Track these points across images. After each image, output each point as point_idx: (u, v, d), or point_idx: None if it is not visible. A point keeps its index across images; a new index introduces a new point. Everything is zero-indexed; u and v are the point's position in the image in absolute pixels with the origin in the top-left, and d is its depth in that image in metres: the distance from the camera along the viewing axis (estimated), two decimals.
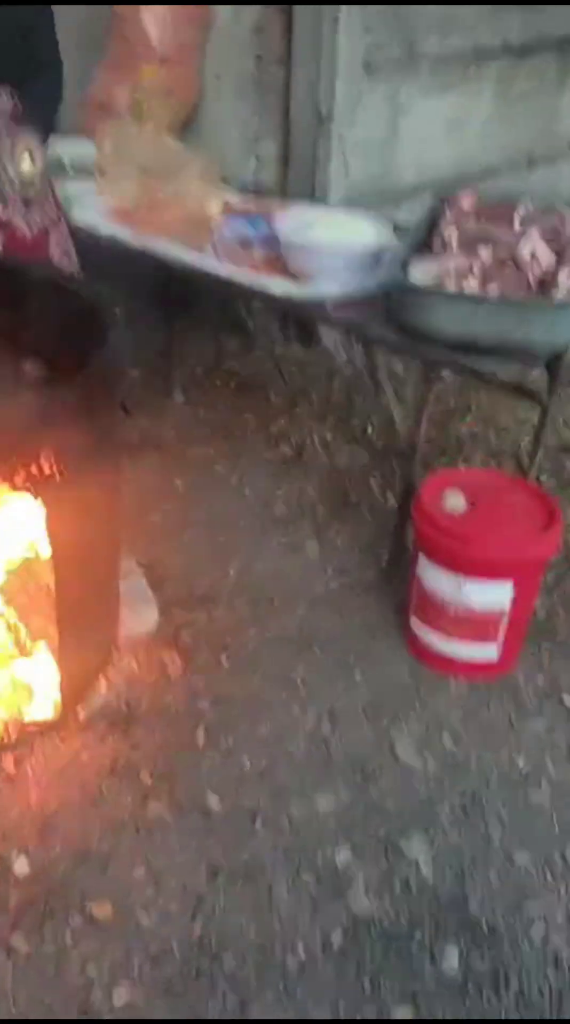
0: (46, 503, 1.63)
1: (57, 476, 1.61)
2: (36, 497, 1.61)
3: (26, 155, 2.20)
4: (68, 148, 3.16)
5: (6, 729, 1.91)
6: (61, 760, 1.90)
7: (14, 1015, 1.45)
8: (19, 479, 1.56)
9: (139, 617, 2.25)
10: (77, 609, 1.81)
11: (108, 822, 1.78)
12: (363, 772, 1.93)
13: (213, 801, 1.84)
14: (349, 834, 1.79)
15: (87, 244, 2.70)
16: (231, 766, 1.93)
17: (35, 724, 1.93)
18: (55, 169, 3.05)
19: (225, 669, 2.19)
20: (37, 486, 1.59)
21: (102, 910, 1.62)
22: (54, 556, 1.71)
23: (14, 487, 1.57)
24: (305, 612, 2.38)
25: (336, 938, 1.61)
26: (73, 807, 1.81)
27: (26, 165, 2.20)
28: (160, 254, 2.73)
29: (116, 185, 3.03)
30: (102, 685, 2.06)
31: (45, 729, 1.92)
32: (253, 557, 2.57)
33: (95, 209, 2.93)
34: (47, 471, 1.59)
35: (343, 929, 1.62)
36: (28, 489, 1.59)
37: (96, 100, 3.56)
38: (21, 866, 1.69)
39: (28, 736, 1.90)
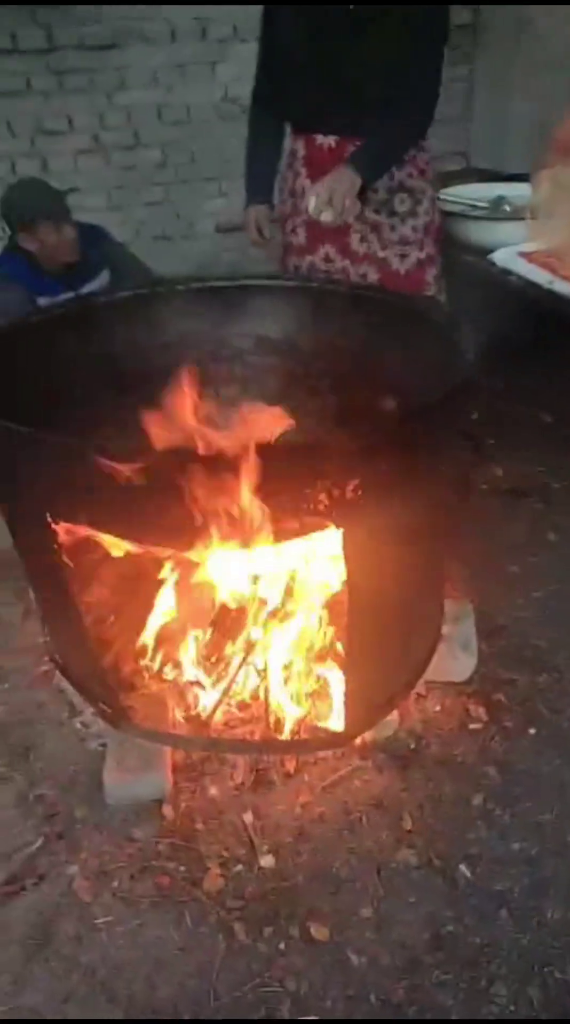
0: (344, 529, 1.68)
1: (358, 503, 1.65)
2: (335, 523, 1.66)
3: (316, 198, 2.20)
4: (512, 188, 3.18)
5: (297, 727, 2.00)
6: (335, 776, 1.94)
7: (211, 997, 1.53)
8: (320, 504, 1.63)
9: (455, 663, 2.20)
10: (371, 636, 1.83)
11: (357, 851, 1.78)
12: None
13: (464, 871, 1.73)
14: None
15: (497, 284, 2.70)
16: (497, 842, 1.79)
17: (323, 732, 1.99)
18: (493, 208, 3.10)
19: (529, 739, 2.03)
20: (337, 512, 1.64)
21: (320, 933, 1.63)
22: (348, 580, 1.75)
23: (316, 512, 1.64)
24: None
25: None
26: (331, 825, 1.84)
27: (318, 212, 2.22)
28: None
29: (548, 228, 2.96)
30: (396, 718, 2.05)
31: (330, 742, 1.97)
32: None
33: (517, 250, 2.91)
34: (348, 497, 1.63)
35: None
36: (328, 514, 1.64)
37: (561, 141, 3.52)
38: (268, 861, 1.77)
39: (315, 743, 1.97)
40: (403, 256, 2.49)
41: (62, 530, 1.72)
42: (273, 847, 1.79)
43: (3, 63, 4.15)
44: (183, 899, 1.69)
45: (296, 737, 1.99)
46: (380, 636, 1.86)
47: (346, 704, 1.91)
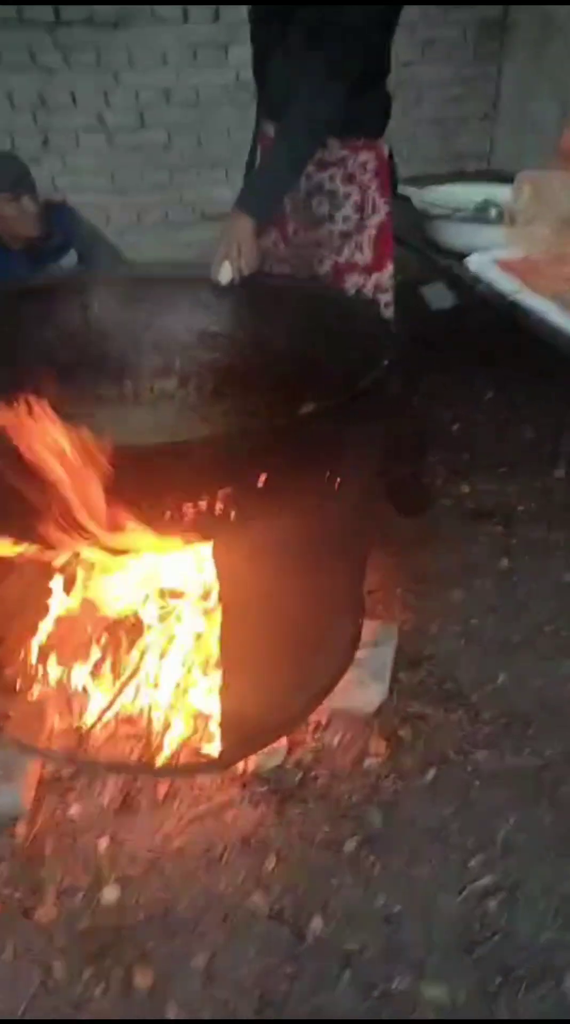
0: (215, 543, 1.54)
1: (230, 517, 1.51)
2: (204, 537, 1.53)
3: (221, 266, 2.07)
4: (500, 192, 2.99)
5: (178, 750, 1.87)
6: (206, 806, 1.81)
7: None
8: (188, 517, 1.50)
9: (363, 691, 2.05)
10: (247, 657, 1.69)
11: (208, 892, 1.65)
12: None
13: (317, 924, 1.59)
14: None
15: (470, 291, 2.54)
16: (359, 894, 1.64)
17: (201, 757, 1.86)
18: (479, 212, 2.92)
19: (425, 784, 1.87)
20: (206, 526, 1.51)
21: (144, 980, 1.51)
22: (220, 595, 1.62)
23: (185, 525, 1.51)
24: (563, 751, 1.92)
25: None
26: (189, 860, 1.71)
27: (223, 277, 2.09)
28: (536, 312, 2.43)
29: (525, 234, 2.78)
30: (284, 747, 1.91)
31: (203, 767, 1.84)
32: (538, 673, 2.16)
33: (494, 256, 2.72)
34: (219, 511, 1.50)
35: None
36: (197, 527, 1.51)
37: (564, 150, 3.33)
38: (111, 894, 1.65)
39: (187, 767, 1.84)
40: (320, 260, 2.33)
41: None
42: (121, 879, 1.67)
43: (8, 35, 4.06)
44: (9, 930, 1.57)
45: (174, 760, 1.86)
46: (259, 657, 1.72)
47: (221, 728, 1.78)
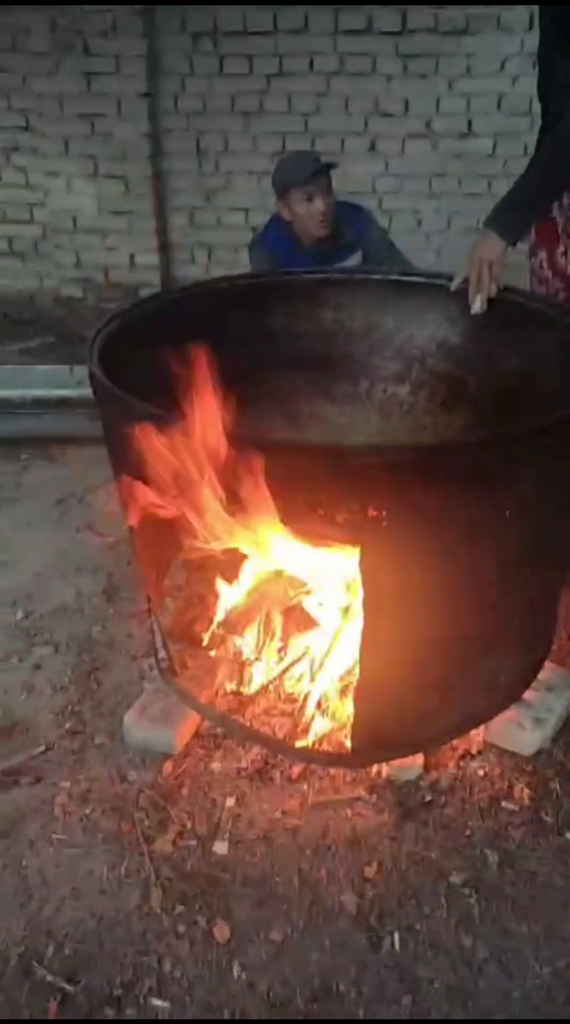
0: (363, 545, 1.59)
1: (379, 522, 1.55)
2: (354, 540, 1.59)
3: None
4: None
5: (318, 740, 1.96)
6: (332, 797, 1.88)
7: (96, 942, 1.60)
8: (340, 518, 1.56)
9: (520, 733, 1.98)
10: (386, 667, 1.72)
11: (305, 876, 1.72)
12: None
13: (395, 940, 1.60)
14: None
15: None
16: (448, 929, 1.62)
17: (338, 751, 1.92)
18: None
19: (559, 843, 1.78)
20: (357, 528, 1.57)
21: (221, 933, 1.62)
22: (364, 602, 1.66)
23: (332, 522, 1.58)
24: None
25: None
26: (299, 841, 1.79)
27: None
28: None
29: None
30: (420, 763, 1.91)
31: (333, 760, 1.91)
32: None
33: None
34: (369, 514, 1.55)
35: None
36: (346, 529, 1.57)
37: None
38: (220, 848, 1.78)
39: (318, 755, 1.91)
40: None
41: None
42: (234, 838, 1.79)
43: (355, 43, 4.29)
44: (130, 849, 1.76)
45: (313, 746, 1.94)
46: (404, 670, 1.74)
47: (352, 729, 1.83)
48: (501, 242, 2.04)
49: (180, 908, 1.65)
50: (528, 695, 2.03)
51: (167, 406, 1.55)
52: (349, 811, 1.84)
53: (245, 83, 4.45)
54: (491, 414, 2.27)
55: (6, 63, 4.63)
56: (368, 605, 1.65)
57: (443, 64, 4.28)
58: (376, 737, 1.83)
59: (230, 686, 2.13)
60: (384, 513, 1.54)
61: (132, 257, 4.82)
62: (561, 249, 2.35)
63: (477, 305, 2.09)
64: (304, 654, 2.11)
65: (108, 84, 4.44)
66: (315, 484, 1.53)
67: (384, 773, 1.91)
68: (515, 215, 2.04)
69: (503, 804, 1.86)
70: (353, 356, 2.50)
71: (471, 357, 2.32)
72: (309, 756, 1.91)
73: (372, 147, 4.52)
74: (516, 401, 2.15)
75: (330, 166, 2.96)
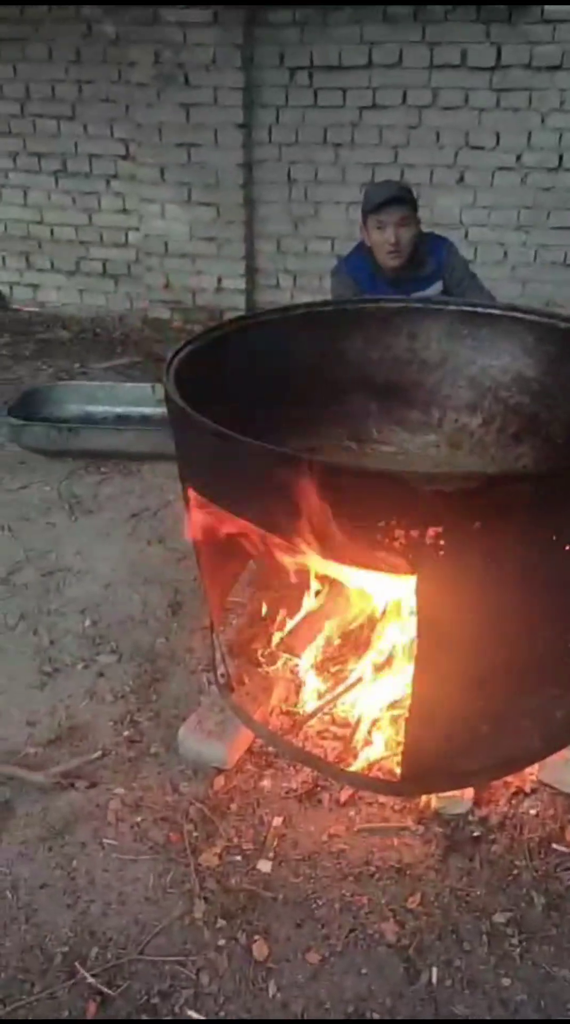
0: (420, 572, 1.60)
1: (437, 550, 1.56)
2: (411, 567, 1.59)
3: None
4: None
5: (368, 766, 1.96)
6: (379, 824, 1.88)
7: (136, 948, 1.63)
8: (398, 544, 1.57)
9: (567, 769, 1.94)
10: (438, 698, 1.72)
11: (347, 901, 1.72)
12: None
13: (433, 974, 1.58)
14: None
15: None
16: (486, 970, 1.59)
17: (387, 779, 1.92)
18: None
19: None
20: (414, 555, 1.57)
21: (260, 951, 1.63)
22: (419, 633, 1.67)
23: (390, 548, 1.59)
24: None
25: None
26: (343, 866, 1.79)
27: None
28: None
29: None
30: (470, 798, 1.89)
31: (382, 787, 1.90)
32: None
33: None
34: (426, 542, 1.56)
35: None
36: (403, 555, 1.58)
37: None
38: (265, 866, 1.79)
39: (366, 781, 1.91)
40: None
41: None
42: (279, 857, 1.80)
43: (449, 77, 4.33)
44: (177, 859, 1.80)
45: (364, 772, 1.95)
46: (452, 700, 1.73)
47: (403, 756, 1.82)
48: None
49: (221, 922, 1.67)
50: None
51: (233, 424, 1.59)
52: (396, 840, 1.84)
53: (338, 115, 4.53)
54: (562, 447, 2.25)
55: (111, 93, 4.82)
56: (422, 632, 1.65)
57: (536, 98, 4.27)
58: (426, 766, 1.82)
59: (285, 705, 2.15)
60: (441, 541, 1.54)
61: (219, 281, 4.94)
62: None
63: None
64: (360, 678, 2.12)
65: (206, 115, 4.58)
66: (374, 508, 1.54)
67: (433, 805, 1.90)
68: None
69: (554, 846, 1.82)
70: (426, 384, 2.51)
71: (545, 390, 2.31)
72: (358, 781, 1.91)
73: (461, 179, 4.53)
74: None
75: (406, 198, 2.98)
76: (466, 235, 4.51)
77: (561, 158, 4.36)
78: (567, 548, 1.61)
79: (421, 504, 1.49)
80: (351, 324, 2.47)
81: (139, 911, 1.70)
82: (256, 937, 1.64)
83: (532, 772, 1.96)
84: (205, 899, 1.71)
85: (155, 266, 5.00)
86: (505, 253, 4.58)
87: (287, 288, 4.99)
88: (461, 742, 1.80)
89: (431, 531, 1.54)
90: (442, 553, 1.55)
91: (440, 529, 1.52)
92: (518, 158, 4.41)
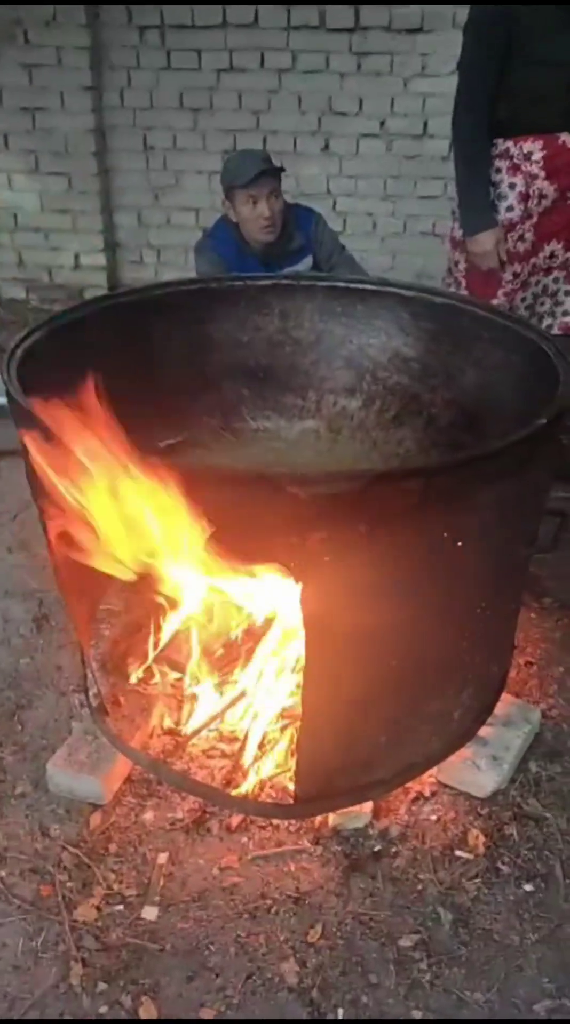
0: (304, 580, 1.44)
1: (321, 556, 1.40)
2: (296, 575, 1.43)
3: None
4: None
5: (258, 786, 1.80)
6: (273, 850, 1.73)
7: None
8: (279, 552, 1.41)
9: (475, 774, 1.84)
10: (331, 706, 1.58)
11: (242, 942, 1.57)
12: None
13: (340, 1016, 1.44)
14: None
15: None
16: (396, 1000, 1.47)
17: (279, 800, 1.77)
18: None
19: (517, 897, 1.65)
20: (298, 562, 1.41)
21: (148, 1012, 1.46)
22: (306, 644, 1.52)
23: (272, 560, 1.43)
24: None
25: None
26: (237, 901, 1.64)
27: None
28: None
29: None
30: (368, 811, 1.76)
31: (275, 811, 1.75)
32: None
33: None
34: (310, 547, 1.40)
35: None
36: (285, 563, 1.42)
37: None
38: (150, 913, 1.62)
39: (257, 806, 1.76)
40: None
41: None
42: (165, 901, 1.63)
43: (308, 39, 4.15)
44: (49, 916, 1.60)
45: (253, 794, 1.79)
46: (345, 711, 1.60)
47: (295, 776, 1.67)
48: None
49: (102, 986, 1.49)
50: (483, 731, 1.90)
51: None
52: (292, 865, 1.70)
53: (194, 78, 4.29)
54: (445, 428, 2.14)
55: None
56: (310, 642, 1.51)
57: (397, 62, 4.15)
58: (321, 785, 1.68)
59: (167, 723, 1.97)
60: (325, 547, 1.39)
61: (77, 257, 4.63)
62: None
63: None
64: (246, 689, 1.96)
65: (50, 77, 4.25)
66: (248, 514, 1.37)
67: (331, 822, 1.77)
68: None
69: (457, 853, 1.73)
70: (301, 367, 2.35)
71: (425, 369, 2.19)
72: (249, 808, 1.76)
73: (326, 147, 4.38)
74: (470, 414, 2.03)
75: (277, 169, 2.81)
76: (334, 206, 4.37)
77: (426, 124, 4.27)
78: (459, 544, 1.49)
79: (301, 509, 1.33)
80: (219, 304, 2.28)
81: (7, 983, 1.49)
82: (142, 998, 1.47)
83: (431, 775, 1.86)
84: (82, 961, 1.52)
85: (6, 242, 4.64)
86: (374, 224, 4.47)
87: (151, 264, 4.73)
88: (357, 754, 1.68)
89: (313, 537, 1.39)
90: (327, 559, 1.40)
91: (324, 535, 1.37)
92: (382, 124, 4.29)
